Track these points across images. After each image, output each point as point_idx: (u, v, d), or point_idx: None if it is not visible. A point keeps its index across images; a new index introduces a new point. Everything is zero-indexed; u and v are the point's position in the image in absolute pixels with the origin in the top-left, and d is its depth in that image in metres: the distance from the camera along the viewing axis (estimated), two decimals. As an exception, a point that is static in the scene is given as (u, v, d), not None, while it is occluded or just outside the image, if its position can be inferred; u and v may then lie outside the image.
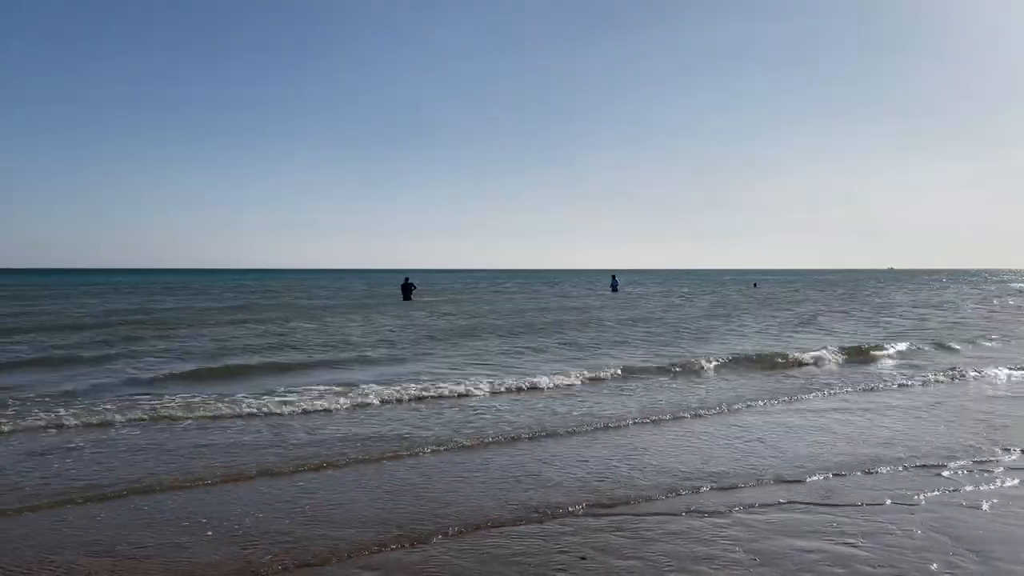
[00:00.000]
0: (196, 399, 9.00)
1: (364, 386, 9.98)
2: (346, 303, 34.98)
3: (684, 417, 8.30)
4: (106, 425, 7.67)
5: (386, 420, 8.07)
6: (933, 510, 4.95)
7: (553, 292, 50.51)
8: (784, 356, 13.47)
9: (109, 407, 8.48)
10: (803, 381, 11.15)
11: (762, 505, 5.06)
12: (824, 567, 3.97)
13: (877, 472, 5.92)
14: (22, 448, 6.70)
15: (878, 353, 14.54)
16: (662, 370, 12.04)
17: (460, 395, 9.66)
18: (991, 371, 12.07)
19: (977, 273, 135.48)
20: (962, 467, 6.07)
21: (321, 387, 10.02)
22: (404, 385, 10.04)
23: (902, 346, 15.44)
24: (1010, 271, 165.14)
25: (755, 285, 62.81)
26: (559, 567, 4.00)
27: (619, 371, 11.67)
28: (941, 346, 15.92)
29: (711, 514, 4.88)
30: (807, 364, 12.97)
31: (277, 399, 9.05)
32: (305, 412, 8.44)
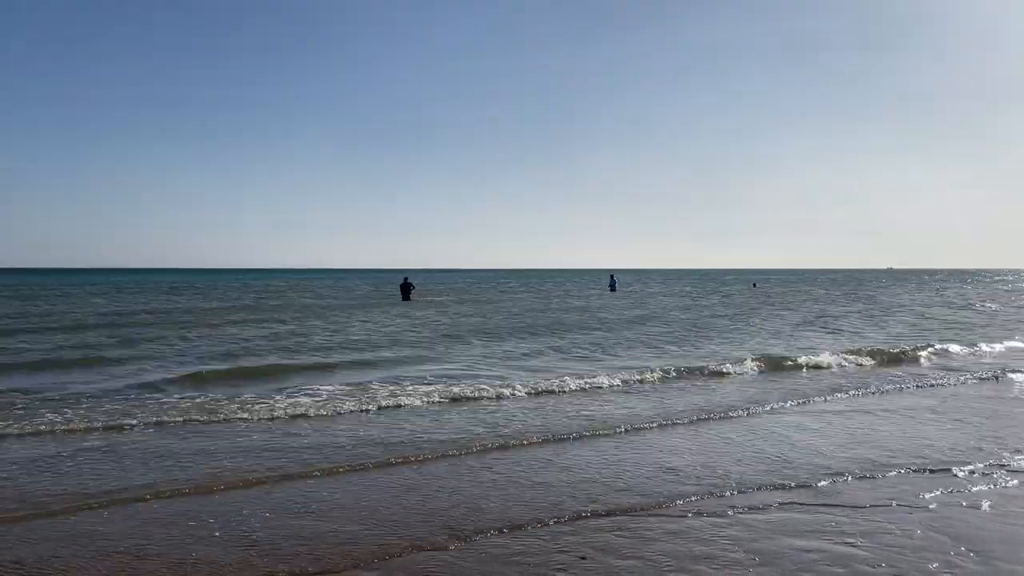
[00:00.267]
0: (223, 400, 9.02)
1: (397, 386, 10.09)
2: (353, 303, 34.92)
3: (708, 419, 8.28)
4: (122, 428, 7.59)
5: (423, 421, 8.02)
6: (933, 510, 4.94)
7: (556, 292, 50.46)
8: (793, 358, 13.37)
9: (129, 409, 8.47)
10: (832, 382, 11.01)
11: (762, 505, 5.06)
12: (824, 567, 3.97)
13: (877, 472, 5.92)
14: (35, 452, 6.61)
15: (919, 354, 14.32)
16: (692, 371, 11.85)
17: (498, 397, 9.53)
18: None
19: (978, 273, 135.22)
20: (966, 468, 6.07)
21: (349, 386, 10.13)
22: (442, 386, 10.05)
23: (937, 346, 15.30)
24: (1011, 271, 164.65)
25: (754, 285, 62.68)
26: (559, 567, 4.00)
27: (654, 373, 11.46)
28: (973, 345, 15.79)
29: (710, 514, 4.88)
30: (823, 367, 12.74)
31: (304, 399, 9.10)
32: (339, 413, 8.41)
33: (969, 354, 14.82)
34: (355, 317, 25.10)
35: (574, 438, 7.23)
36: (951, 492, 5.36)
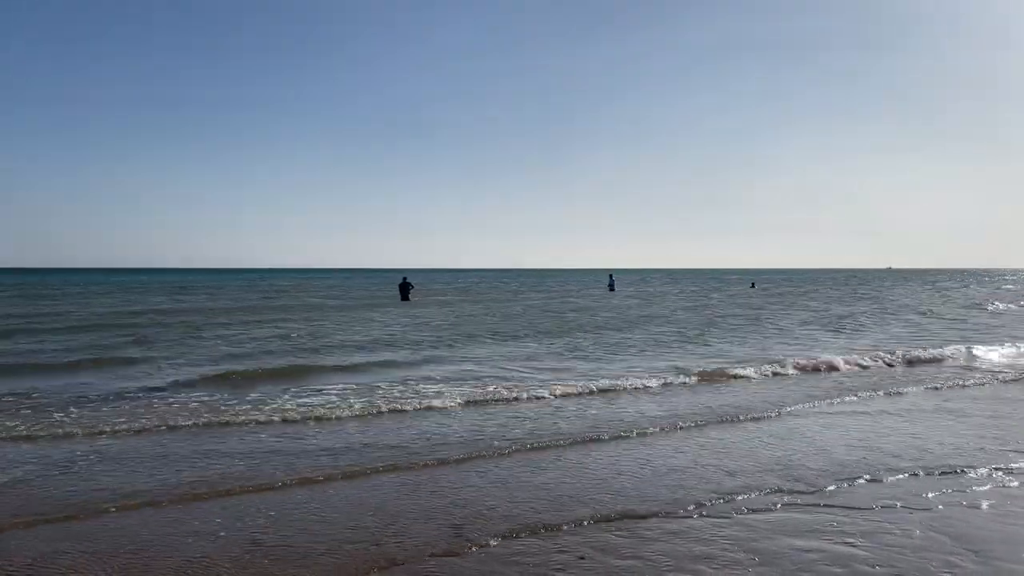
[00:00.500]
0: (268, 401, 9.03)
1: (427, 386, 10.08)
2: (356, 303, 34.79)
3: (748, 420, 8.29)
4: (176, 428, 7.53)
5: (461, 423, 7.95)
6: (932, 509, 4.94)
7: (558, 292, 50.32)
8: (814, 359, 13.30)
9: (173, 409, 8.45)
10: (858, 383, 10.91)
11: (762, 505, 5.06)
12: (823, 567, 3.96)
13: (877, 472, 5.92)
14: (52, 455, 6.47)
15: (945, 354, 14.15)
16: (716, 373, 11.70)
17: (537, 398, 9.44)
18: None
19: (979, 273, 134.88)
20: (968, 468, 6.07)
21: (379, 385, 10.15)
22: (472, 387, 10.00)
23: (960, 347, 15.12)
24: (1012, 271, 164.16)
25: (753, 285, 62.56)
26: (558, 567, 3.99)
27: (689, 375, 11.30)
28: (995, 345, 15.61)
29: (710, 514, 4.87)
30: (848, 367, 12.62)
31: (335, 400, 9.06)
32: (376, 414, 8.37)
33: (992, 355, 14.55)
34: (365, 316, 25.07)
35: (607, 439, 7.21)
36: (951, 492, 5.35)
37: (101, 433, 7.27)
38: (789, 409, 8.77)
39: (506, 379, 10.93)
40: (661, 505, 5.04)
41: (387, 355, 14.02)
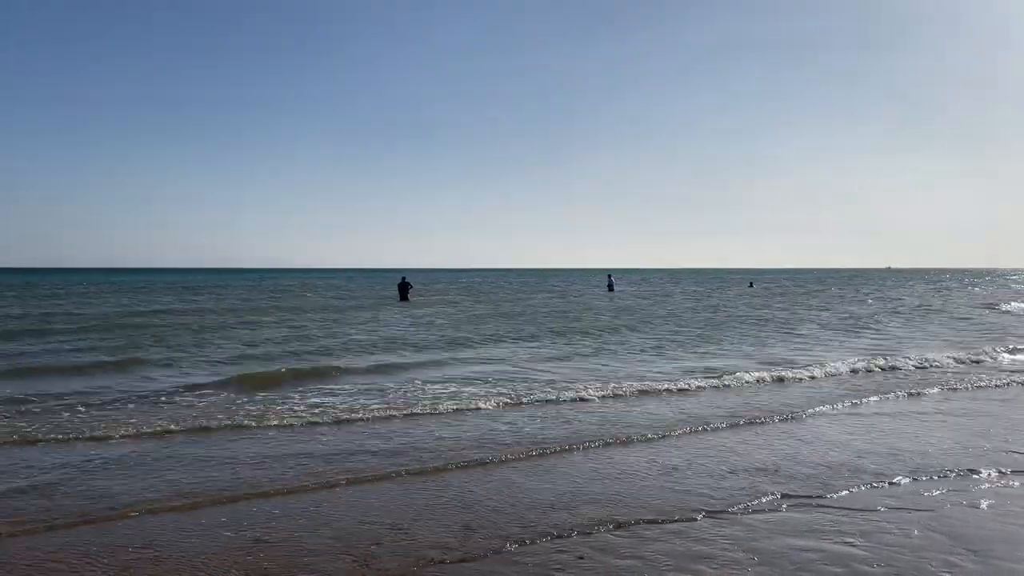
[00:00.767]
0: (297, 401, 8.98)
1: (458, 387, 10.05)
2: (366, 302, 34.56)
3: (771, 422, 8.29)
4: (208, 430, 7.46)
5: (501, 423, 7.89)
6: (931, 509, 4.94)
7: (560, 292, 50.11)
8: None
9: (210, 411, 8.40)
10: (882, 384, 10.79)
11: (761, 505, 5.06)
12: (822, 566, 3.97)
13: (877, 472, 5.92)
14: (71, 459, 6.31)
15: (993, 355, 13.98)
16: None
17: (580, 399, 9.24)
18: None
19: (980, 273, 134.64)
20: (970, 469, 6.07)
21: (411, 384, 10.17)
22: (507, 388, 9.92)
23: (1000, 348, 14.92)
24: (1013, 270, 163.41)
25: (751, 284, 62.62)
26: (557, 566, 3.99)
27: (741, 376, 11.08)
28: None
29: (709, 513, 4.87)
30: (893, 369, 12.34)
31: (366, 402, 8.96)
32: (412, 415, 8.28)
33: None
34: (375, 316, 25.01)
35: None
36: (950, 492, 5.35)
37: (123, 437, 7.12)
38: (812, 410, 8.67)
39: (539, 381, 10.76)
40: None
41: (412, 356, 13.95)
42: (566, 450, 6.68)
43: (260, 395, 9.51)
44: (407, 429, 7.56)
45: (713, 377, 11.03)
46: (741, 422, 7.95)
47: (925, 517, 4.78)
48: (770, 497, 5.22)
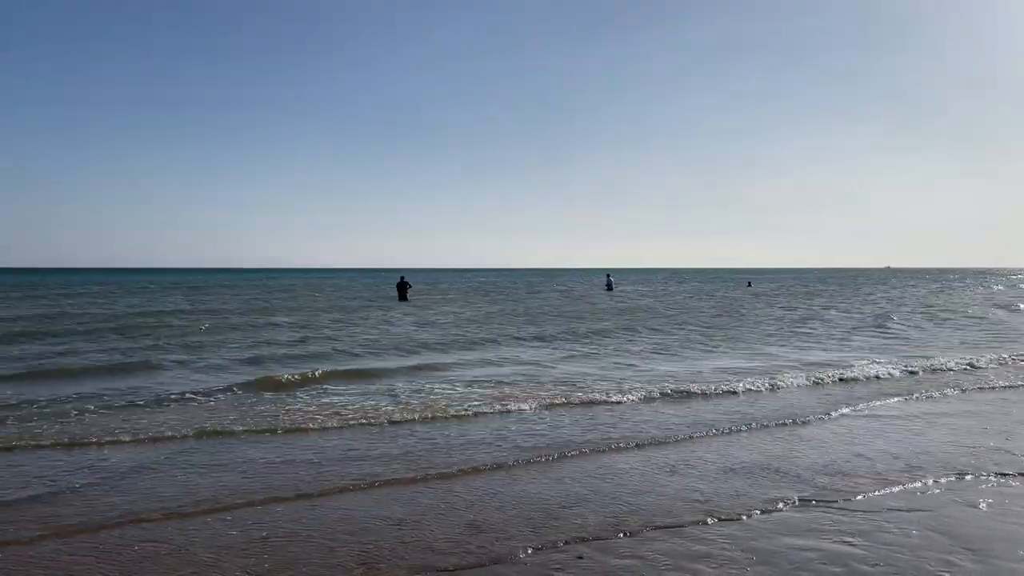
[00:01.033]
0: (328, 402, 8.96)
1: (498, 389, 9.90)
2: (377, 302, 34.47)
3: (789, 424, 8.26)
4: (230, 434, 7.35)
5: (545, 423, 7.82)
6: (930, 509, 4.94)
7: (562, 291, 50.08)
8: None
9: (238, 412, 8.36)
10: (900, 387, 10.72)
11: (762, 504, 5.06)
12: (821, 566, 3.97)
13: (878, 472, 5.92)
14: (92, 463, 6.21)
15: None
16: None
17: (617, 402, 9.09)
18: None
19: (980, 273, 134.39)
20: (970, 468, 6.07)
21: (446, 385, 10.13)
22: (547, 391, 9.73)
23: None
24: (1014, 270, 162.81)
25: (749, 284, 62.88)
26: (556, 566, 3.99)
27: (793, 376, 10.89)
28: None
29: (708, 513, 4.88)
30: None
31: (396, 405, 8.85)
32: (444, 418, 8.30)
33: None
34: (386, 316, 24.95)
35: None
36: (949, 491, 5.36)
37: (143, 440, 7.01)
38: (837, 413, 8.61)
39: (573, 382, 10.67)
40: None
41: (434, 357, 13.89)
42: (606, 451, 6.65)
43: (291, 396, 9.50)
44: (460, 431, 7.48)
45: (742, 377, 10.97)
46: (754, 426, 7.94)
47: (924, 516, 4.78)
48: (773, 497, 5.22)
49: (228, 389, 9.87)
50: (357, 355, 14.28)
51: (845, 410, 8.64)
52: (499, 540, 4.37)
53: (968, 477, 5.72)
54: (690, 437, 7.22)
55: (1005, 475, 5.77)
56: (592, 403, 9.03)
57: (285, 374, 10.95)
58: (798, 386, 10.46)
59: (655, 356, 14.25)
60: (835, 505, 5.03)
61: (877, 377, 11.28)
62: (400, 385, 10.37)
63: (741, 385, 10.19)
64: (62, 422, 7.70)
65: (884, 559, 4.05)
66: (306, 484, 5.55)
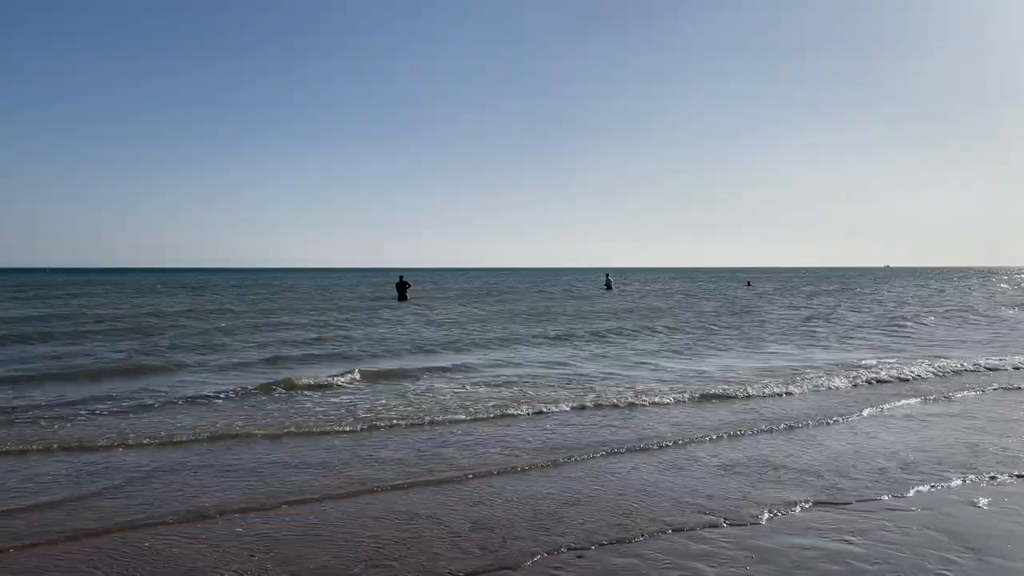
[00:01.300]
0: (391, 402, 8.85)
1: (530, 390, 9.74)
2: (382, 302, 34.18)
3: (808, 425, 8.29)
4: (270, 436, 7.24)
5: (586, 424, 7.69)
6: (930, 507, 4.94)
7: (563, 291, 49.70)
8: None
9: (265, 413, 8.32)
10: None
11: (761, 504, 5.06)
12: (821, 564, 3.97)
13: (877, 472, 5.92)
14: (109, 467, 6.07)
15: None
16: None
17: (660, 404, 8.86)
18: None
19: (980, 272, 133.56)
20: (970, 468, 6.07)
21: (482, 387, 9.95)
22: (571, 392, 9.61)
23: None
24: (1016, 269, 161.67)
25: (748, 284, 62.64)
26: (556, 566, 3.99)
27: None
28: None
29: (708, 512, 4.88)
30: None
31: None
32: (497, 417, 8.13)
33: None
34: (398, 315, 24.90)
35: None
36: (948, 490, 5.36)
37: (161, 443, 6.88)
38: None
39: (606, 382, 10.57)
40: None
41: (452, 357, 13.67)
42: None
43: (369, 389, 9.47)
44: (496, 433, 7.35)
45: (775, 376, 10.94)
46: (781, 426, 7.90)
47: (924, 515, 4.78)
48: (776, 497, 5.23)
49: (246, 391, 9.62)
50: (376, 355, 14.08)
51: (868, 411, 8.45)
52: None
53: (970, 476, 5.72)
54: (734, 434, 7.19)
55: (1005, 475, 5.77)
56: (633, 406, 8.75)
57: (304, 377, 10.60)
58: (829, 388, 10.07)
59: (676, 356, 14.00)
60: (836, 504, 5.03)
61: (900, 379, 10.87)
62: (427, 384, 10.28)
63: (793, 388, 9.85)
64: (75, 424, 7.66)
65: (884, 558, 4.05)
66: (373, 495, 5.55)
